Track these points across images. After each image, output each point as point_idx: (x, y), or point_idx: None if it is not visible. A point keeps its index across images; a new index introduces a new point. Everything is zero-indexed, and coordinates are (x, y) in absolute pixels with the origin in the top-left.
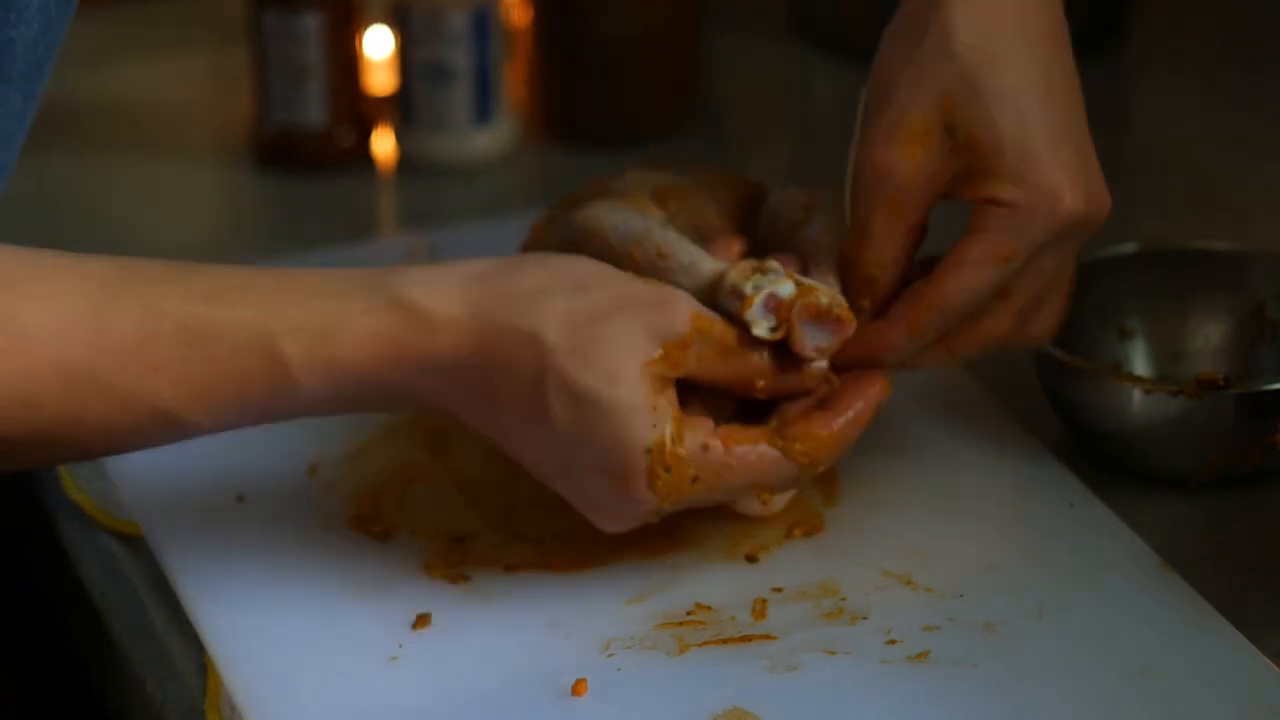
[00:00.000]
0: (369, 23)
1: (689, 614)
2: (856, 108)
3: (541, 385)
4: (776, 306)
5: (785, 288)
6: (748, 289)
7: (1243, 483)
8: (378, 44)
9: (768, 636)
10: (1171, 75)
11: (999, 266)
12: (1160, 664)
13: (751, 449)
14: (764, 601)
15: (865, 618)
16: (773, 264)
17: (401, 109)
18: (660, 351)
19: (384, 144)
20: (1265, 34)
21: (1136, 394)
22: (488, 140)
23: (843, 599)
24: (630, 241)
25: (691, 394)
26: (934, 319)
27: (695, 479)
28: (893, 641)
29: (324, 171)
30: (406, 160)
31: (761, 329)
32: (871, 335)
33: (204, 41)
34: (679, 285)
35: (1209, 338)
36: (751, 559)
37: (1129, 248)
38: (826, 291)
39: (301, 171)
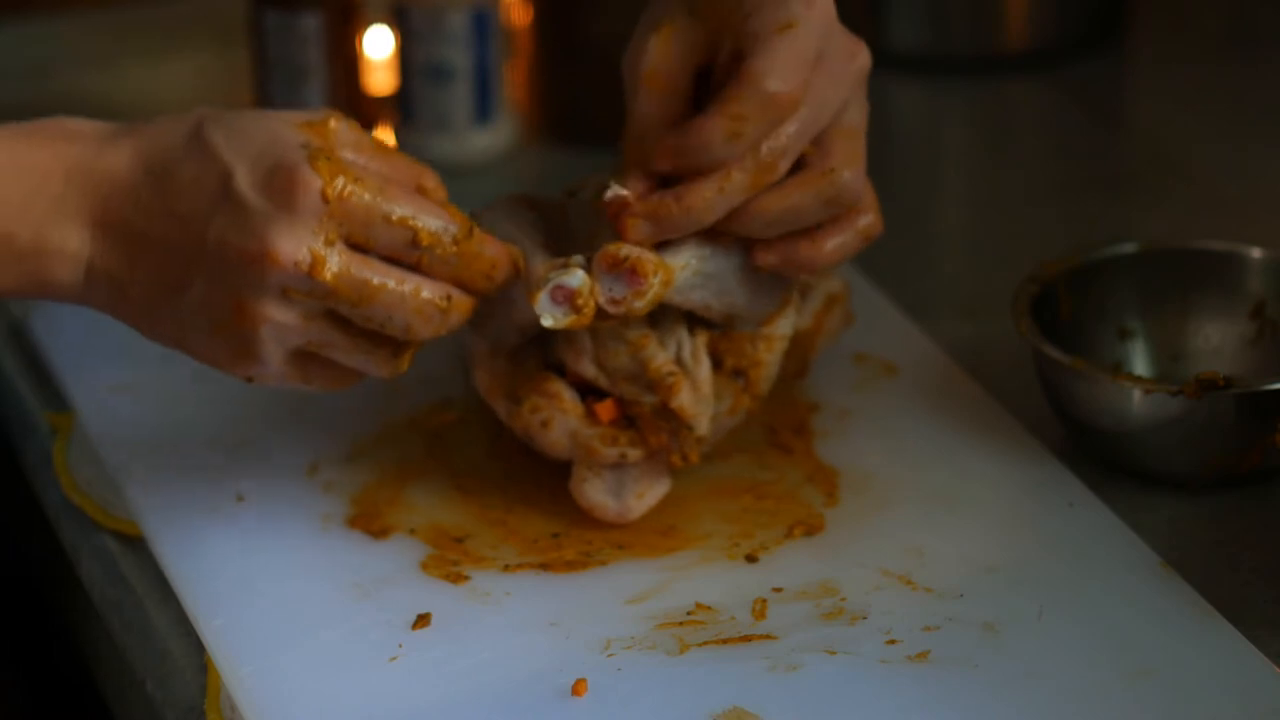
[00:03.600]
0: (369, 23)
1: (689, 614)
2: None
3: (198, 130)
4: (569, 296)
5: (575, 278)
6: (537, 284)
7: (1243, 483)
8: (378, 44)
9: (768, 636)
10: (1171, 75)
11: (787, 35)
12: (1160, 664)
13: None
14: (764, 601)
15: (865, 618)
16: (576, 259)
17: (401, 109)
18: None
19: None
20: (1265, 34)
21: (1136, 394)
22: (488, 140)
23: (843, 599)
24: None
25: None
26: (752, 103)
27: (357, 179)
28: (893, 641)
29: None
30: None
31: (548, 320)
32: (694, 131)
33: (204, 41)
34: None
35: (1209, 338)
36: (751, 559)
37: (1129, 248)
38: (633, 248)
39: None
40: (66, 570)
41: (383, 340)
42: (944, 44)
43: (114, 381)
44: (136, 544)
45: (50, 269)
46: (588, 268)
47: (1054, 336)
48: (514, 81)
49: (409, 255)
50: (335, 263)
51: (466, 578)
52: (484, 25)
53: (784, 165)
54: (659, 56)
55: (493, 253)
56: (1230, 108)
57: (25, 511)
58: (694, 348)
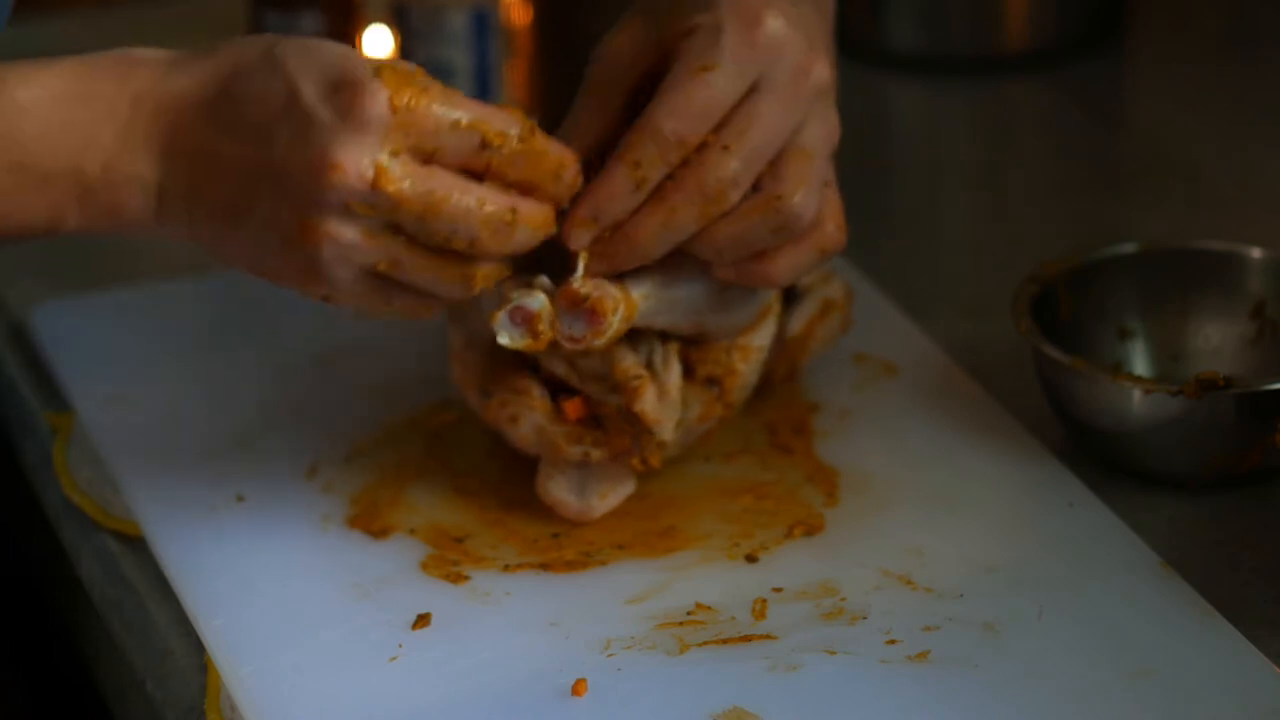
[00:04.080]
0: (369, 23)
1: (689, 614)
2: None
3: (270, 49)
4: (527, 319)
5: (535, 301)
6: (500, 301)
7: (1243, 483)
8: (378, 44)
9: (768, 636)
10: (1171, 75)
11: (700, 79)
12: (1160, 664)
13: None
14: (764, 601)
15: (865, 618)
16: (541, 279)
17: None
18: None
19: None
20: (1265, 34)
21: (1136, 394)
22: None
23: (843, 599)
24: None
25: None
26: (649, 148)
27: (425, 90)
28: (893, 641)
29: None
30: None
31: (504, 338)
32: (599, 188)
33: (204, 42)
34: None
35: (1209, 338)
36: (751, 559)
37: (1129, 248)
38: (596, 284)
39: None
40: (66, 570)
41: (450, 257)
42: (944, 44)
43: (114, 381)
44: (136, 544)
45: (121, 200)
46: (552, 292)
47: (1054, 336)
48: (514, 81)
49: (477, 161)
50: (399, 174)
51: (466, 578)
52: (484, 25)
53: (734, 195)
54: (611, 56)
55: (557, 152)
56: (1230, 108)
57: (25, 511)
58: (665, 354)
